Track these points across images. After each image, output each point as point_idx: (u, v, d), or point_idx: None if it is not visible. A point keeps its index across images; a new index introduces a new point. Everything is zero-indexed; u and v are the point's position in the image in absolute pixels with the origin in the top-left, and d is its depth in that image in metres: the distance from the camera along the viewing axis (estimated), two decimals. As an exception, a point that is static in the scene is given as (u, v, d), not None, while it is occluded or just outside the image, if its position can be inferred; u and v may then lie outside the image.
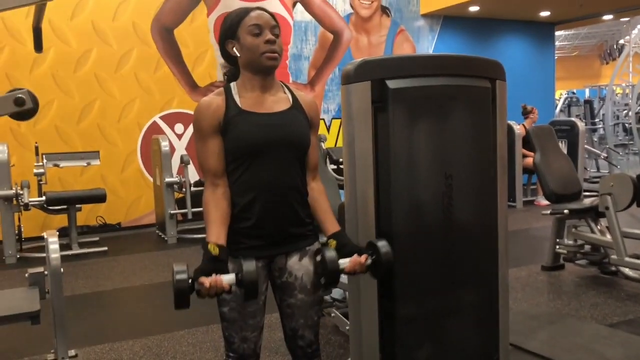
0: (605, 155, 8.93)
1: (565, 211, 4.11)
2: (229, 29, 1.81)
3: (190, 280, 1.60)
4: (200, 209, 5.88)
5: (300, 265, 1.85)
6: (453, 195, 2.43)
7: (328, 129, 8.08)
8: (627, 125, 13.17)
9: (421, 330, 2.43)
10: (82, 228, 6.40)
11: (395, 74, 2.33)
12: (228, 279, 1.63)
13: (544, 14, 9.09)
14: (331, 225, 1.88)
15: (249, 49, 1.77)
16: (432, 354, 2.46)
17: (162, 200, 6.29)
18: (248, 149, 1.73)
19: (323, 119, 8.07)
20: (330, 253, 1.73)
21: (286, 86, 1.90)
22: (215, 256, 1.66)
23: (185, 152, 6.94)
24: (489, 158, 2.55)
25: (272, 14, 1.83)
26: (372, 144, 2.31)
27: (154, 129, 7.06)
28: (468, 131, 2.49)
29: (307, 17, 7.91)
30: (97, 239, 6.31)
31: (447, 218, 2.44)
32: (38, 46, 3.51)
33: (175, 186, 6.19)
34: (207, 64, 7.35)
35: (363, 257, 1.83)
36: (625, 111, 12.01)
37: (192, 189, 6.29)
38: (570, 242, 4.28)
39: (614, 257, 3.88)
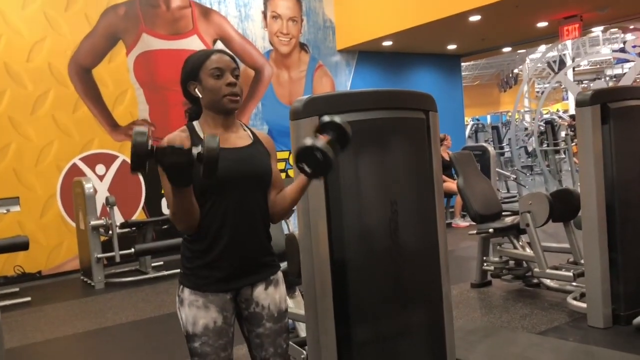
0: (514, 176, 9.55)
1: (490, 230, 4.40)
2: (191, 72, 1.87)
3: (150, 146, 1.52)
4: (128, 250, 5.84)
5: (266, 295, 1.90)
6: (398, 220, 2.59)
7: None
8: (528, 148, 14.18)
9: (377, 352, 2.53)
10: (-2, 279, 6.05)
11: (339, 109, 2.47)
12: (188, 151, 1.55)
13: (451, 47, 9.71)
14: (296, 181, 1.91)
15: (210, 91, 1.84)
16: (388, 374, 2.57)
17: (86, 244, 6.06)
18: (216, 182, 1.78)
19: (248, 154, 8.11)
20: (325, 146, 1.77)
21: (244, 124, 1.98)
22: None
23: (108, 194, 6.76)
24: (428, 183, 2.74)
25: (232, 56, 1.92)
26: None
27: (75, 171, 6.82)
28: (408, 159, 2.67)
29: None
30: (17, 289, 5.97)
31: (395, 242, 2.59)
32: None
33: (101, 229, 6.00)
34: (128, 103, 7.24)
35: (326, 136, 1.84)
36: (528, 135, 12.96)
37: (118, 231, 6.14)
38: (496, 259, 4.57)
39: (536, 270, 4.19)
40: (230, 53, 1.94)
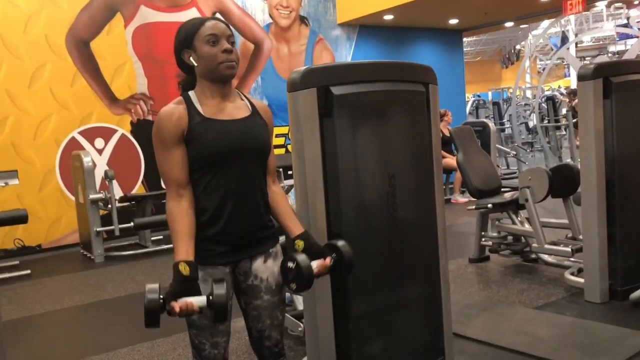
0: (515, 152, 9.52)
1: (489, 205, 4.39)
2: (185, 39, 1.83)
3: (161, 300, 1.62)
4: (127, 224, 5.85)
5: (265, 268, 1.90)
6: (396, 194, 2.57)
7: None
8: (529, 124, 14.11)
9: (374, 325, 2.54)
10: (-2, 252, 6.07)
11: (338, 81, 2.44)
12: (199, 301, 1.65)
13: (453, 21, 9.60)
14: (295, 226, 1.94)
15: (206, 58, 1.80)
16: (385, 347, 2.58)
17: (86, 218, 6.07)
18: (215, 156, 1.76)
19: (247, 129, 8.08)
20: (304, 260, 1.77)
21: (241, 93, 1.94)
22: (187, 276, 1.67)
23: (107, 167, 6.75)
24: (427, 157, 2.72)
25: (226, 24, 1.88)
26: (320, 149, 2.41)
27: (73, 145, 6.80)
28: (407, 132, 2.64)
29: (227, 27, 7.90)
30: (17, 262, 6.00)
31: (392, 216, 2.58)
32: None
33: (100, 203, 6.00)
34: (126, 76, 7.18)
35: (328, 260, 1.89)
36: (528, 112, 12.89)
37: (118, 204, 6.14)
38: (495, 234, 4.58)
39: (534, 245, 4.19)
40: (224, 20, 1.90)
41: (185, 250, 1.72)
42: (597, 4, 8.92)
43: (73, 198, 6.65)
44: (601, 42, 25.29)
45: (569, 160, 9.25)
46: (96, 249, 5.96)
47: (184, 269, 1.68)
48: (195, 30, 1.82)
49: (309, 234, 1.96)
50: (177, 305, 1.63)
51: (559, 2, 8.06)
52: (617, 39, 23.44)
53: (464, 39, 11.02)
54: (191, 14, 7.56)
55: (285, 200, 1.98)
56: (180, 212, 1.76)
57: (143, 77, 7.27)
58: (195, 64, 1.82)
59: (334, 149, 2.41)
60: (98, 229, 5.92)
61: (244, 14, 8.09)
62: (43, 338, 3.83)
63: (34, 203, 6.53)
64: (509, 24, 10.70)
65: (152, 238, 6.45)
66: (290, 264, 1.78)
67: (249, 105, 1.91)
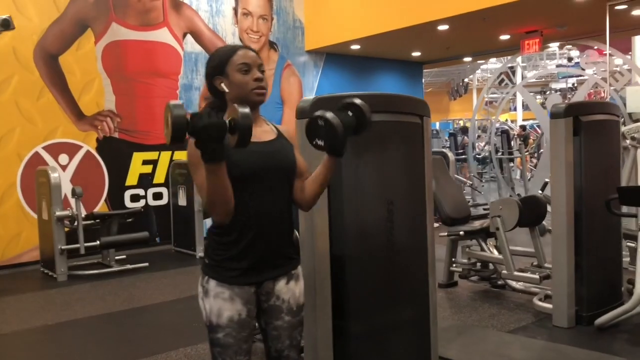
0: (471, 182, 9.87)
1: (461, 233, 4.58)
2: (218, 66, 1.91)
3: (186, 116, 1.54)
4: (94, 243, 5.74)
5: (287, 289, 1.96)
6: (394, 219, 2.70)
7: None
8: (478, 156, 14.65)
9: (370, 346, 2.63)
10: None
11: (344, 110, 2.56)
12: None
13: (415, 54, 9.96)
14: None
15: (238, 86, 1.89)
16: (379, 367, 2.67)
17: (49, 235, 5.91)
18: (244, 176, 1.83)
19: (214, 150, 8.09)
20: (334, 117, 1.80)
21: (265, 119, 2.03)
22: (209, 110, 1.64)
23: (71, 184, 6.61)
24: (421, 185, 2.86)
25: (257, 52, 1.98)
26: (325, 174, 2.51)
27: (36, 160, 6.64)
28: (404, 161, 2.78)
29: (198, 47, 7.96)
30: (-28, 280, 5.78)
31: (390, 240, 2.70)
32: None
33: (66, 220, 5.87)
34: (95, 93, 7.10)
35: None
36: (481, 143, 13.42)
37: (84, 222, 6.02)
38: (465, 260, 4.76)
39: (504, 272, 4.39)
40: (254, 49, 2.00)
41: None
42: (550, 44, 9.45)
43: (34, 214, 6.47)
44: (543, 79, 26.52)
45: (520, 192, 9.66)
46: (59, 267, 5.80)
47: None
48: (228, 58, 1.90)
49: None
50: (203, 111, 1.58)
51: (516, 41, 8.51)
52: (559, 77, 24.69)
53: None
54: (162, 33, 7.59)
55: None
56: None
57: (111, 94, 7.20)
58: (227, 90, 1.90)
59: (339, 174, 2.52)
60: (63, 247, 5.78)
61: (215, 36, 8.15)
62: (15, 359, 3.71)
63: (-8, 218, 6.32)
64: (467, 59, 11.18)
65: (116, 257, 6.33)
66: (320, 122, 1.79)
67: (274, 129, 2.00)
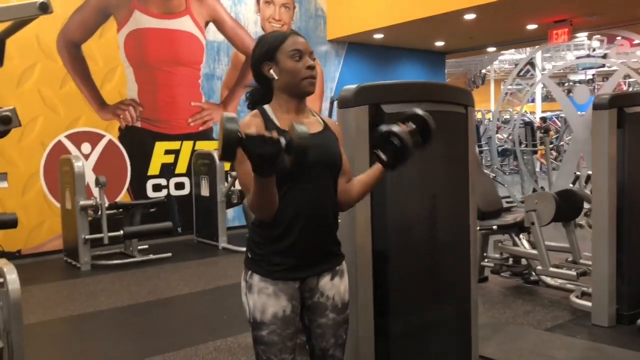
0: (494, 175, 9.71)
1: (494, 227, 4.46)
2: (268, 52, 1.82)
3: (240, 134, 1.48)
4: (117, 232, 5.69)
5: (331, 285, 1.87)
6: (437, 214, 2.60)
7: (241, 150, 8.02)
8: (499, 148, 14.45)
9: (411, 344, 2.54)
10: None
11: (389, 99, 2.46)
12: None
13: (439, 43, 9.78)
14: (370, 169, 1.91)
15: (289, 73, 1.79)
16: (421, 366, 2.58)
17: (72, 224, 5.89)
18: (292, 168, 1.74)
19: (236, 140, 8.02)
20: (403, 132, 1.77)
21: (312, 110, 1.94)
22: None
23: (93, 173, 6.58)
24: (465, 178, 2.75)
25: (305, 40, 1.88)
26: (369, 165, 2.40)
27: (59, 148, 6.60)
28: (448, 153, 2.67)
29: (220, 37, 7.87)
30: (-3, 268, 5.75)
31: (433, 236, 2.60)
32: None
33: (90, 210, 5.83)
34: (117, 81, 7.04)
35: (405, 125, 1.85)
36: (504, 135, 13.23)
37: (107, 212, 5.97)
38: (497, 255, 4.64)
39: (539, 267, 4.27)
40: (304, 36, 1.90)
41: None
42: (578, 34, 9.23)
43: (57, 203, 6.45)
44: (562, 71, 26.13)
45: (544, 185, 9.48)
46: (83, 257, 5.77)
47: None
48: (279, 44, 1.81)
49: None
50: (242, 125, 1.52)
51: (544, 31, 8.31)
52: (578, 69, 24.28)
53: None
54: (184, 21, 7.50)
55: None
56: None
57: (134, 82, 7.14)
58: (276, 77, 1.81)
59: (383, 166, 2.42)
60: (86, 236, 5.75)
61: (237, 24, 8.05)
62: (42, 349, 3.67)
63: (15, 207, 6.27)
64: (491, 49, 10.97)
65: (139, 247, 6.30)
66: (396, 142, 1.77)
67: (321, 121, 1.90)
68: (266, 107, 1.84)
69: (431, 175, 2.59)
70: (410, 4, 7.79)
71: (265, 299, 1.78)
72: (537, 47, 9.14)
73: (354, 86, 2.44)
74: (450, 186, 2.68)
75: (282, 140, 1.50)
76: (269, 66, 1.82)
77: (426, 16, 7.65)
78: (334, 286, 1.88)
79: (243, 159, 1.74)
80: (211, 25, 7.79)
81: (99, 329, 4.08)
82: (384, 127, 1.80)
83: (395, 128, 1.78)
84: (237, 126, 1.47)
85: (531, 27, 8.45)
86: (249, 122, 1.77)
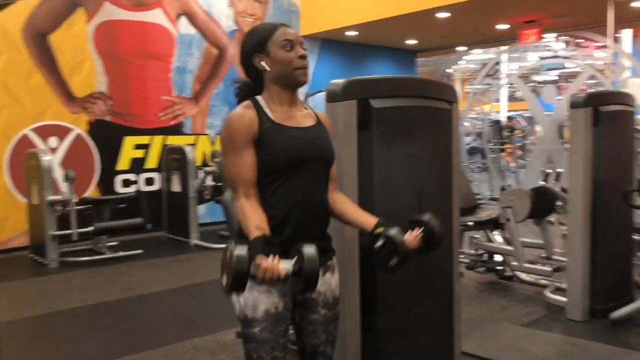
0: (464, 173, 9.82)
1: (470, 223, 4.49)
2: (258, 43, 1.77)
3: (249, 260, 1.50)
4: (87, 228, 5.55)
5: (323, 281, 1.84)
6: (424, 209, 2.58)
7: (213, 145, 7.92)
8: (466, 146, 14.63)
9: (398, 342, 2.53)
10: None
11: (377, 93, 2.44)
12: (284, 266, 1.54)
13: (411, 42, 9.84)
14: (371, 218, 1.88)
15: (281, 63, 1.75)
16: (406, 362, 2.57)
17: (39, 220, 5.71)
18: (286, 162, 1.71)
19: (208, 135, 7.93)
20: (399, 235, 1.75)
21: (304, 102, 1.91)
22: (268, 237, 1.60)
23: (61, 168, 6.40)
24: (449, 173, 2.75)
25: (295, 31, 1.85)
26: (356, 160, 2.39)
27: (25, 142, 6.40)
28: (434, 148, 2.67)
29: (192, 30, 7.74)
30: (-42, 266, 5.56)
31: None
32: None
33: (58, 205, 5.66)
34: (86, 74, 6.86)
35: (415, 231, 1.86)
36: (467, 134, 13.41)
37: (76, 207, 5.81)
38: (472, 251, 4.68)
39: (514, 263, 4.32)
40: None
41: (262, 227, 1.64)
42: (545, 35, 9.40)
43: (22, 199, 6.25)
44: (525, 71, 26.55)
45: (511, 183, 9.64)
46: (51, 254, 5.61)
47: (263, 235, 1.59)
48: (269, 35, 1.77)
49: (387, 221, 1.87)
50: (264, 261, 1.50)
51: (514, 31, 8.44)
52: (542, 70, 24.75)
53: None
54: (156, 14, 7.35)
55: (350, 201, 1.95)
56: (252, 206, 1.69)
57: (103, 75, 6.97)
58: (268, 69, 1.77)
59: (370, 160, 2.40)
60: (54, 233, 5.58)
61: (209, 18, 7.93)
62: (9, 350, 3.53)
63: (-22, 202, 6.08)
64: (462, 48, 11.09)
65: (108, 244, 6.15)
66: (379, 243, 1.77)
67: (313, 114, 1.87)
68: (258, 98, 1.79)
69: (419, 171, 2.58)
70: (384, 2, 7.81)
71: (257, 296, 1.73)
72: (507, 47, 9.27)
73: (342, 80, 2.41)
74: (435, 182, 2.68)
75: (290, 266, 1.54)
76: (260, 58, 1.78)
77: (400, 14, 7.69)
78: (325, 281, 1.85)
79: (233, 149, 1.71)
80: (183, 19, 7.66)
81: (70, 328, 3.95)
82: (391, 232, 1.78)
83: (399, 238, 1.76)
84: (247, 267, 1.48)
85: (502, 27, 8.57)
86: (243, 113, 1.73)
